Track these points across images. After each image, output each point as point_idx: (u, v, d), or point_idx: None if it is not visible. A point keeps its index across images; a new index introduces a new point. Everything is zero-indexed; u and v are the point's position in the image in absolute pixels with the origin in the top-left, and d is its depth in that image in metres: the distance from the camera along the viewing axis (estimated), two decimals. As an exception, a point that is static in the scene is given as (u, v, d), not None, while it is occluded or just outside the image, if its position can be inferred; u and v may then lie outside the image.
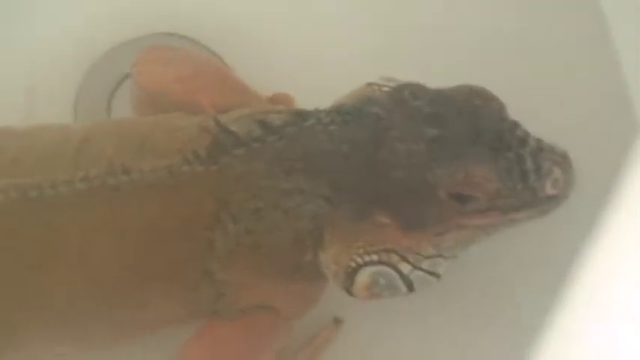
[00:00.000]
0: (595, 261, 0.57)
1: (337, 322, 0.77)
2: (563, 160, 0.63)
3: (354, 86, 0.69)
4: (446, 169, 0.61)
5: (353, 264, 0.64)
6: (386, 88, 0.67)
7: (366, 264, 0.64)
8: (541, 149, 0.63)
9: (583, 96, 0.80)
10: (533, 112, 0.66)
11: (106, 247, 0.65)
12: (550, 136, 0.64)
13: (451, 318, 0.78)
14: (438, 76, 0.66)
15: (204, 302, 0.68)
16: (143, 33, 0.86)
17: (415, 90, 0.65)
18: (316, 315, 0.74)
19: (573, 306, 0.57)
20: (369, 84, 0.67)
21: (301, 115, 0.66)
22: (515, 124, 0.64)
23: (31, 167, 0.65)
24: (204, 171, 0.64)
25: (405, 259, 0.64)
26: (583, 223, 0.57)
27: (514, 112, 0.65)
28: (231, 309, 0.69)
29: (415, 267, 0.64)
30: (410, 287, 0.65)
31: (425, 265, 0.65)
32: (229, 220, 0.65)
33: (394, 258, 0.64)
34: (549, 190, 0.63)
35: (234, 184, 0.65)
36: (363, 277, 0.65)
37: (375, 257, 0.64)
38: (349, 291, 0.65)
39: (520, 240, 0.76)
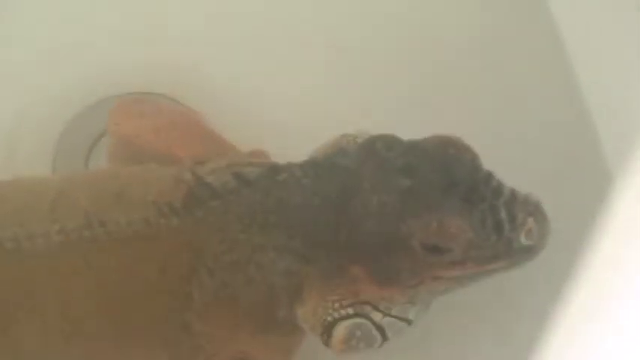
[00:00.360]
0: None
1: None
2: (536, 210, 0.62)
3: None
4: (419, 220, 0.61)
5: (330, 318, 0.64)
6: (359, 140, 0.66)
7: (342, 318, 0.64)
8: (515, 200, 0.62)
9: (553, 144, 0.80)
10: (503, 159, 0.65)
11: (85, 301, 0.65)
12: (522, 184, 0.64)
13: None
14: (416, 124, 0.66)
15: (184, 355, 0.68)
16: (120, 91, 0.87)
17: (388, 141, 0.64)
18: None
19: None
20: (344, 135, 0.67)
21: (275, 169, 0.66)
22: (489, 175, 0.63)
23: (8, 219, 0.65)
24: (180, 223, 0.64)
25: (376, 309, 0.64)
26: (558, 273, 0.56)
27: (485, 160, 0.65)
28: None
29: (385, 314, 0.64)
30: (383, 335, 0.65)
31: (394, 311, 0.64)
32: (206, 273, 0.65)
33: (367, 308, 0.64)
34: (524, 240, 0.62)
35: (210, 237, 0.65)
36: (340, 331, 0.64)
37: (350, 310, 0.64)
38: (327, 344, 0.65)
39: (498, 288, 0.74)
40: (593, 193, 0.60)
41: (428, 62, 0.86)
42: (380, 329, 0.64)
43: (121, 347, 0.66)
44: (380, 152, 0.64)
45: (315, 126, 0.82)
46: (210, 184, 0.66)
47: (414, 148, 0.64)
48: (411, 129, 0.66)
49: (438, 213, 0.61)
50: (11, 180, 0.70)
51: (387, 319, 0.64)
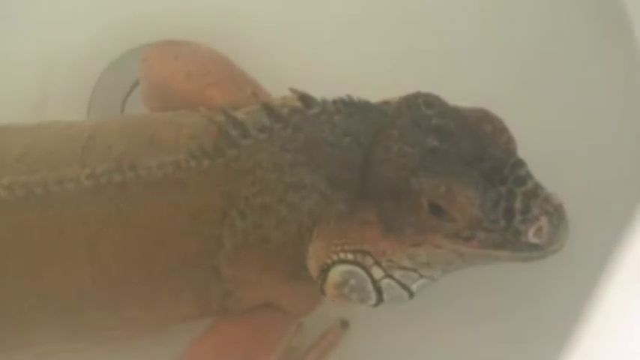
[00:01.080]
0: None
1: (344, 325, 0.76)
2: (554, 211, 0.61)
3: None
4: (431, 180, 0.61)
5: (328, 260, 0.63)
6: None
7: (340, 261, 0.63)
8: (535, 194, 0.61)
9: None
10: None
11: (113, 245, 0.65)
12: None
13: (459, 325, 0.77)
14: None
15: (213, 300, 0.68)
16: (159, 38, 0.84)
17: (431, 99, 0.64)
18: (323, 316, 0.74)
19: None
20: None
21: (308, 102, 0.65)
22: (519, 162, 0.62)
23: (37, 164, 0.65)
24: (210, 165, 0.64)
25: (378, 264, 0.63)
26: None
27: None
28: (238, 307, 0.68)
29: (387, 274, 0.63)
30: (379, 295, 0.64)
31: (397, 275, 0.63)
32: (237, 216, 0.64)
33: (368, 261, 0.63)
34: (531, 237, 0.60)
35: (241, 179, 0.64)
36: (334, 275, 0.64)
37: (350, 256, 0.63)
38: (322, 288, 0.65)
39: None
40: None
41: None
42: (377, 288, 0.64)
43: (149, 292, 0.66)
44: (419, 107, 0.63)
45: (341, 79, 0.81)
46: (242, 123, 0.65)
47: (454, 113, 0.64)
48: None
49: (452, 179, 0.60)
50: (43, 123, 0.70)
51: (388, 280, 0.63)
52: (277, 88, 0.74)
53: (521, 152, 0.64)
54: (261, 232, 0.65)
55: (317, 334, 0.76)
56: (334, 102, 0.65)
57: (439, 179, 0.60)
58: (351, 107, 0.65)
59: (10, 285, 0.65)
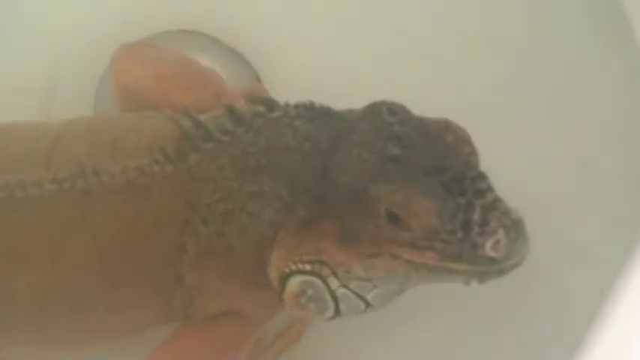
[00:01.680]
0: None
1: None
2: (512, 225, 0.60)
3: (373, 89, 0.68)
4: (389, 187, 0.60)
5: (287, 270, 0.63)
6: None
7: (298, 272, 0.63)
8: (494, 207, 0.60)
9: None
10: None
11: (77, 251, 0.65)
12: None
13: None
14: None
15: (176, 307, 0.68)
16: (160, 30, 0.87)
17: (393, 108, 0.63)
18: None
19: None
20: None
21: (270, 106, 0.66)
22: (480, 175, 0.62)
23: (3, 166, 0.65)
24: (173, 171, 0.64)
25: (335, 274, 0.63)
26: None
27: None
28: (201, 314, 0.68)
29: (343, 284, 0.63)
30: (336, 306, 0.64)
31: (353, 285, 0.63)
32: (200, 223, 0.64)
33: (325, 271, 0.63)
34: (489, 250, 0.60)
35: (203, 186, 0.64)
36: (292, 285, 0.64)
37: (307, 267, 0.63)
38: (281, 297, 0.65)
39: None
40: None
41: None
42: (334, 298, 0.63)
43: (112, 297, 0.66)
44: (382, 114, 0.63)
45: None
46: (205, 126, 0.65)
47: (417, 122, 0.63)
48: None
49: (410, 187, 0.60)
50: (6, 125, 0.70)
51: (344, 290, 0.63)
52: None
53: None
54: (224, 240, 0.65)
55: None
56: (296, 106, 0.65)
57: (397, 186, 0.60)
58: (312, 112, 0.65)
59: None
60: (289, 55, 0.87)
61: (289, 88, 0.83)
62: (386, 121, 0.62)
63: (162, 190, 0.64)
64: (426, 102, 0.70)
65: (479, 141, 0.63)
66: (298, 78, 0.85)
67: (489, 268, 0.60)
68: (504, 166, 0.66)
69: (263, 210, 0.63)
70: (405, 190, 0.59)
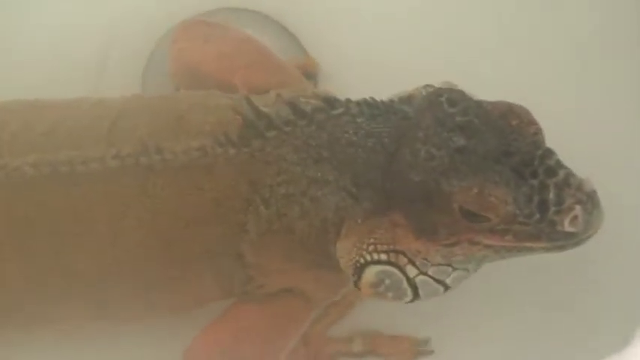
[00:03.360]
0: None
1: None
2: (587, 198, 0.60)
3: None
4: (462, 182, 0.60)
5: (362, 260, 0.64)
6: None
7: (374, 262, 0.64)
8: (567, 183, 0.60)
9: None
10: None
11: (137, 227, 0.65)
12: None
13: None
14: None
15: (235, 285, 0.69)
16: (214, 6, 0.86)
17: (453, 96, 0.63)
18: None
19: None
20: (426, 85, 0.66)
21: (331, 103, 0.66)
22: (548, 152, 0.62)
23: (63, 141, 0.65)
24: (236, 153, 0.64)
25: (412, 263, 0.63)
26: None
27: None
28: (260, 292, 0.69)
29: (421, 272, 0.63)
30: (415, 292, 0.64)
31: (432, 271, 0.64)
32: (262, 204, 0.65)
33: (402, 260, 0.63)
34: (567, 226, 0.60)
35: (266, 168, 0.64)
36: (369, 275, 0.64)
37: (383, 257, 0.63)
38: (357, 285, 0.65)
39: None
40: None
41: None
42: (412, 285, 0.64)
43: (172, 274, 0.67)
44: (442, 105, 0.63)
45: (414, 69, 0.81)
46: (267, 115, 0.65)
47: (478, 108, 0.63)
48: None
49: (483, 179, 0.60)
50: (68, 101, 0.70)
51: (422, 277, 0.64)
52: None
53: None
54: (286, 222, 0.65)
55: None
56: (358, 103, 0.65)
57: (470, 181, 0.60)
58: (373, 109, 0.65)
59: (35, 262, 0.65)
60: (338, 30, 0.87)
61: (338, 63, 0.85)
62: (447, 112, 0.62)
63: (225, 170, 0.64)
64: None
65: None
66: (347, 55, 0.85)
67: (568, 242, 0.61)
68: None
69: (326, 196, 0.64)
70: (478, 183, 0.59)
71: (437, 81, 0.67)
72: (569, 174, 0.61)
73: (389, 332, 0.78)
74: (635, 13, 0.85)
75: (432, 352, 0.78)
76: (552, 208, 0.60)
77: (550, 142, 0.62)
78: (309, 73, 0.84)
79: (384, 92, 0.67)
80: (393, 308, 0.72)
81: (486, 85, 0.65)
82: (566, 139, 0.64)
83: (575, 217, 0.60)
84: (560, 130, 0.64)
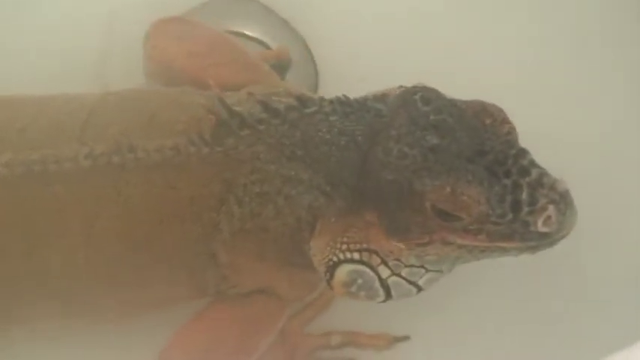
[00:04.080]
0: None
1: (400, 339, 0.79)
2: (560, 198, 0.60)
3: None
4: (435, 181, 0.60)
5: (335, 258, 0.64)
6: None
7: (346, 261, 0.64)
8: (540, 183, 0.60)
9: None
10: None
11: (111, 226, 0.65)
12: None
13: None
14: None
15: (209, 284, 0.69)
16: None
17: (427, 95, 0.63)
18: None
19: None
20: (400, 86, 0.66)
21: (303, 101, 0.65)
22: (522, 151, 0.61)
23: (37, 139, 0.65)
24: (209, 152, 0.64)
25: (385, 264, 0.63)
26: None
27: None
28: (234, 291, 0.69)
29: (394, 273, 0.63)
30: (387, 293, 0.64)
31: (404, 273, 0.63)
32: (235, 203, 0.65)
33: (375, 260, 0.63)
34: (541, 226, 0.60)
35: (239, 167, 0.64)
36: (341, 274, 0.64)
37: (356, 255, 0.63)
38: (329, 284, 0.65)
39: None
40: None
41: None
42: (385, 286, 0.64)
43: (144, 273, 0.67)
44: (416, 104, 0.63)
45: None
46: (240, 114, 0.65)
47: (452, 107, 0.63)
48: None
49: (455, 178, 0.59)
50: (44, 97, 0.70)
51: (395, 278, 0.64)
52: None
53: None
54: (259, 221, 0.65)
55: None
56: (331, 101, 0.65)
57: (442, 180, 0.59)
58: (346, 107, 0.65)
59: (6, 262, 0.65)
60: (333, 19, 0.88)
61: (336, 53, 0.86)
62: (421, 110, 0.62)
63: (198, 169, 0.64)
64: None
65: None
66: (345, 43, 0.87)
67: (541, 242, 0.61)
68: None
69: (301, 195, 0.64)
70: (450, 183, 0.59)
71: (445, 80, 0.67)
72: (543, 174, 0.60)
73: (366, 329, 0.78)
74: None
75: (408, 337, 0.78)
76: (525, 208, 0.59)
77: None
78: (282, 63, 0.84)
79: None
80: (370, 306, 0.71)
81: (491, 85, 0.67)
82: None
83: (549, 218, 0.59)
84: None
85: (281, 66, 0.84)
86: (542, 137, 0.65)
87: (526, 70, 0.85)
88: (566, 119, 0.82)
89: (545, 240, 0.61)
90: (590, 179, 0.74)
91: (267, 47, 0.86)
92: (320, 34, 0.87)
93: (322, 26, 0.87)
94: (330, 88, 0.69)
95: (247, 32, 0.86)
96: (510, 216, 0.60)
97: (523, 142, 0.62)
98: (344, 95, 0.66)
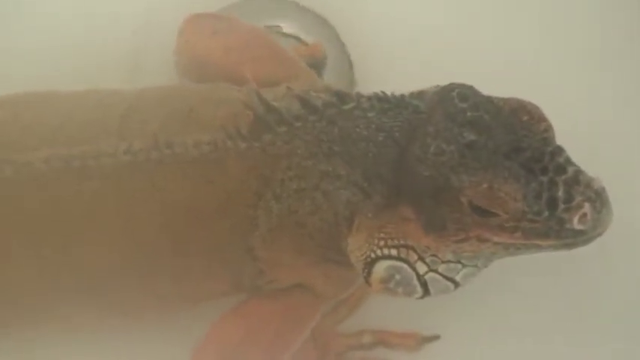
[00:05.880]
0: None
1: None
2: (596, 196, 0.61)
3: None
4: (472, 177, 0.61)
5: (372, 255, 0.65)
6: None
7: (384, 257, 0.65)
8: (577, 180, 0.61)
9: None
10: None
11: (148, 221, 0.66)
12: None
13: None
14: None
15: (245, 278, 0.69)
16: None
17: (464, 92, 0.64)
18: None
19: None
20: (437, 86, 0.67)
21: (342, 97, 0.66)
22: (558, 149, 0.62)
23: (75, 135, 0.66)
24: (247, 148, 0.65)
25: (422, 260, 0.64)
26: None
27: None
28: (270, 287, 0.70)
29: (431, 269, 0.64)
30: (425, 289, 0.65)
31: (441, 269, 0.64)
32: (272, 198, 0.65)
33: (412, 256, 0.64)
34: (577, 224, 0.61)
35: (277, 163, 0.65)
36: (379, 270, 0.65)
37: (394, 252, 0.64)
38: (367, 281, 0.66)
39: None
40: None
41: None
42: (422, 282, 0.65)
43: (181, 268, 0.68)
44: (453, 100, 0.63)
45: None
46: (278, 110, 0.66)
47: (489, 104, 0.63)
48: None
49: (492, 174, 0.60)
50: (83, 91, 0.71)
51: (432, 274, 0.65)
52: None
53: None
54: (297, 217, 0.66)
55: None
56: (368, 98, 0.66)
57: (480, 176, 0.60)
58: (384, 103, 0.65)
59: (46, 258, 0.66)
60: (370, 17, 0.89)
61: (372, 52, 0.87)
62: (458, 107, 0.63)
63: (236, 165, 0.65)
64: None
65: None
66: (381, 41, 0.88)
67: (577, 240, 0.62)
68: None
69: (338, 191, 0.64)
70: (488, 179, 0.60)
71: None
72: (579, 172, 0.61)
73: (397, 328, 0.79)
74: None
75: (438, 337, 0.79)
76: (561, 206, 0.60)
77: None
78: (317, 60, 0.85)
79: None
80: (401, 305, 0.74)
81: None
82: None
83: (584, 215, 0.60)
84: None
85: (316, 63, 0.84)
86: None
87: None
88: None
89: (581, 237, 0.61)
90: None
91: (304, 44, 0.87)
92: (356, 32, 0.87)
93: (359, 24, 0.88)
94: (366, 86, 0.70)
95: (284, 28, 0.87)
96: (546, 213, 0.60)
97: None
98: (382, 91, 0.66)
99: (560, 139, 0.63)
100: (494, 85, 0.64)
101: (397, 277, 0.65)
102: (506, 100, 0.64)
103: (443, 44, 0.87)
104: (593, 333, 0.79)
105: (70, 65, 0.85)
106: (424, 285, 0.65)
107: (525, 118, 0.63)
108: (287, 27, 0.87)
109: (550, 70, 0.86)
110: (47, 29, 0.88)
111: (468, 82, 0.65)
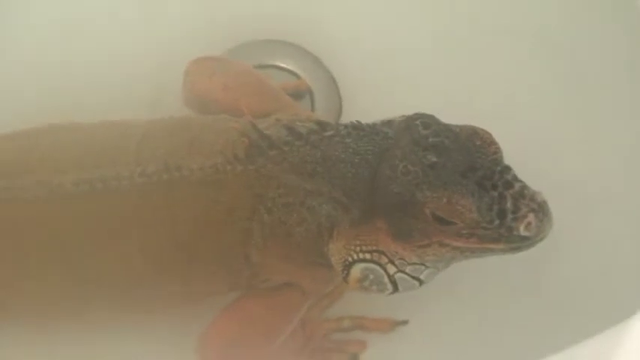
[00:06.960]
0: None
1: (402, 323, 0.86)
2: (539, 208, 0.67)
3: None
4: (434, 193, 0.67)
5: (350, 258, 0.72)
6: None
7: (360, 260, 0.72)
8: (522, 194, 0.67)
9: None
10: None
11: (161, 233, 0.73)
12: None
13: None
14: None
15: (242, 279, 0.76)
16: (257, 38, 0.97)
17: (427, 120, 0.71)
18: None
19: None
20: (403, 115, 0.74)
21: (323, 126, 0.73)
22: (506, 168, 0.69)
23: (97, 160, 0.73)
24: (244, 170, 0.72)
25: (392, 262, 0.71)
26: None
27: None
28: (264, 285, 0.77)
29: (399, 270, 0.72)
30: (395, 286, 0.73)
31: (408, 269, 0.71)
32: (265, 212, 0.73)
33: (383, 259, 0.71)
34: (522, 231, 0.67)
35: (269, 182, 0.72)
36: (356, 271, 0.72)
37: (368, 256, 0.71)
38: (345, 280, 0.73)
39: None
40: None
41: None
42: (392, 281, 0.72)
43: (190, 273, 0.75)
44: (417, 128, 0.70)
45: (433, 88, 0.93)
46: (269, 137, 0.73)
47: (448, 131, 0.70)
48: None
49: (451, 190, 0.67)
50: (100, 123, 0.78)
51: (400, 274, 0.72)
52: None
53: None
54: (286, 228, 0.73)
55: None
56: (345, 126, 0.73)
57: (440, 192, 0.68)
58: (359, 131, 0.73)
59: (74, 267, 0.74)
60: (360, 57, 0.96)
61: (359, 88, 0.95)
62: (421, 133, 0.70)
63: (234, 185, 0.72)
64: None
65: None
66: (373, 80, 0.95)
67: (522, 244, 0.69)
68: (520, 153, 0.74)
69: (321, 206, 0.71)
70: (446, 195, 0.67)
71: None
72: (524, 187, 0.68)
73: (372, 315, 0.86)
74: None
75: (407, 321, 0.85)
76: (510, 216, 0.67)
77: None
78: (300, 92, 0.94)
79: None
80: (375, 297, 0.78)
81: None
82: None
83: (529, 224, 0.67)
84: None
85: (298, 94, 0.93)
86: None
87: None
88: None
89: (526, 242, 0.69)
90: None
91: (299, 77, 0.95)
92: (347, 70, 0.95)
93: (350, 64, 0.96)
94: (352, 117, 0.76)
95: (281, 65, 0.96)
96: (497, 222, 0.68)
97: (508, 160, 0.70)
98: (357, 121, 0.73)
99: (509, 159, 0.70)
100: (488, 125, 0.72)
101: (371, 276, 0.72)
102: (462, 127, 0.71)
103: (425, 80, 0.94)
104: (549, 308, 0.86)
105: (94, 100, 0.91)
106: (394, 283, 0.72)
107: (478, 142, 0.70)
108: (284, 64, 0.95)
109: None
110: (72, 65, 0.94)
111: (449, 114, 0.72)
